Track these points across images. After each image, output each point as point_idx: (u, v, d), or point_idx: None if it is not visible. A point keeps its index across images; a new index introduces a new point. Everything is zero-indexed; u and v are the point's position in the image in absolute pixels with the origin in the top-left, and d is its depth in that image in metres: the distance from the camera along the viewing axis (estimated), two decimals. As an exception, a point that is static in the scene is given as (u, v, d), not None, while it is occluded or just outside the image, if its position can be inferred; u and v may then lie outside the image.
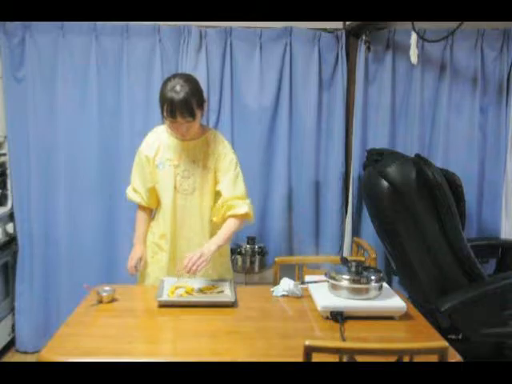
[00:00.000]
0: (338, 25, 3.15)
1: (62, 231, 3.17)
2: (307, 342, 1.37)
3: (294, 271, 2.42)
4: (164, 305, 1.95)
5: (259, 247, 3.10)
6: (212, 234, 2.24)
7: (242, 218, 2.20)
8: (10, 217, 3.18)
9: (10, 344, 3.25)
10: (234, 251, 3.03)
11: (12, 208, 3.18)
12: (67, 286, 3.16)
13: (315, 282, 2.08)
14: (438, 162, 3.05)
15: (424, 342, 1.55)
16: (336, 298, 1.90)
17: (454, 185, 2.71)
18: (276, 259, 2.46)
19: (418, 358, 1.42)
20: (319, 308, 1.86)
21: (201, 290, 2.05)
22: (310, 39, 3.13)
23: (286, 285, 2.10)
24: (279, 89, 3.16)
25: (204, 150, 2.23)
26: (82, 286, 2.11)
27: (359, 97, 3.18)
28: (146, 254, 2.34)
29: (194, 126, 2.12)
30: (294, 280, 2.17)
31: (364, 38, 3.11)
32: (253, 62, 3.13)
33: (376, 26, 3.11)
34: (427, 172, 2.50)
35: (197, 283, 2.10)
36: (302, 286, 2.10)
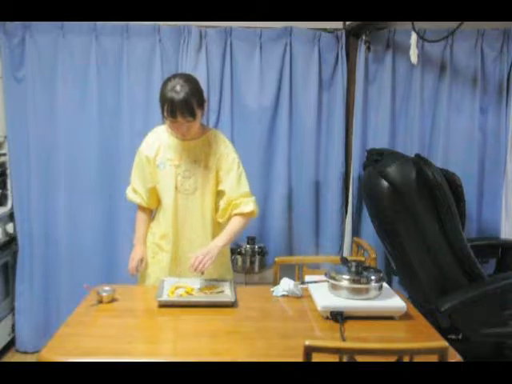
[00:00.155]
0: (338, 25, 3.15)
1: (62, 231, 3.17)
2: (307, 342, 1.37)
3: (294, 271, 2.42)
4: (164, 305, 1.95)
5: (259, 247, 3.10)
6: (214, 233, 2.24)
7: (248, 216, 2.20)
8: (10, 217, 3.18)
9: (10, 344, 3.25)
10: (234, 251, 3.03)
11: (12, 208, 3.18)
12: (67, 286, 3.16)
13: (315, 282, 2.08)
14: (438, 162, 3.04)
15: (424, 342, 1.55)
16: (336, 298, 1.90)
17: (454, 185, 2.71)
18: (276, 259, 2.46)
19: (417, 358, 1.42)
20: (319, 308, 1.86)
21: (201, 290, 2.05)
22: (310, 39, 3.13)
23: (286, 285, 2.10)
24: (279, 89, 3.16)
25: (205, 149, 2.23)
26: (82, 285, 2.11)
27: (359, 97, 3.18)
28: (147, 255, 2.34)
29: (194, 125, 2.12)
30: (294, 280, 2.17)
31: (364, 37, 3.11)
32: (253, 62, 3.13)
33: (376, 26, 3.11)
34: (427, 172, 2.50)
35: (197, 283, 2.10)
36: (302, 285, 2.10)
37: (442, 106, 3.20)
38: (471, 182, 3.18)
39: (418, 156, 2.70)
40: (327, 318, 1.85)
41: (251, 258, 3.07)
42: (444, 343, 1.43)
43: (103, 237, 3.19)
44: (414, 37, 2.86)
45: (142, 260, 2.32)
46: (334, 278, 1.93)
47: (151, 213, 2.39)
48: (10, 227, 3.15)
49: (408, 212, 2.53)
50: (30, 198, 3.15)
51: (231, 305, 1.96)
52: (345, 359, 1.41)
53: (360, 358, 1.41)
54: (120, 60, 3.07)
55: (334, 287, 1.93)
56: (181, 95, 2.01)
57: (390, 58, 3.16)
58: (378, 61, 3.18)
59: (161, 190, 2.26)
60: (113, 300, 2.00)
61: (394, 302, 1.90)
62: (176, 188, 2.22)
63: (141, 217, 2.36)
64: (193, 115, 2.06)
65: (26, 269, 3.19)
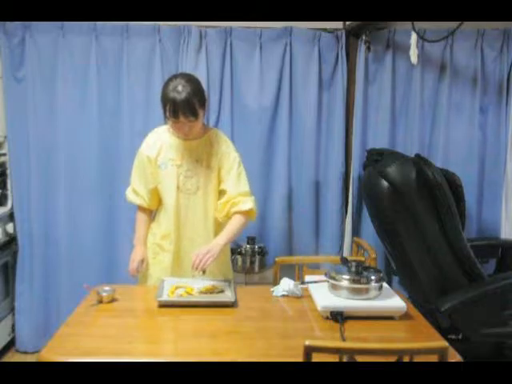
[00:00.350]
0: (338, 25, 3.15)
1: (62, 231, 3.17)
2: (307, 342, 1.37)
3: (294, 271, 2.42)
4: (164, 305, 1.95)
5: (259, 247, 3.10)
6: (216, 233, 2.24)
7: (247, 214, 2.20)
8: (10, 217, 3.18)
9: (10, 344, 3.25)
10: (234, 251, 3.03)
11: (12, 208, 3.18)
12: (67, 286, 3.16)
13: (315, 282, 2.08)
14: (438, 162, 3.05)
15: (424, 342, 1.55)
16: (336, 298, 1.90)
17: (454, 185, 2.71)
18: (276, 259, 2.46)
19: (417, 358, 1.42)
20: (319, 308, 1.86)
21: (201, 290, 2.05)
22: (310, 39, 3.13)
23: (286, 285, 2.10)
24: (279, 89, 3.16)
25: (207, 149, 2.23)
26: (82, 285, 2.11)
27: (359, 97, 3.18)
28: (147, 256, 2.34)
29: (196, 125, 2.12)
30: (294, 280, 2.17)
31: (364, 37, 3.11)
32: (253, 62, 3.13)
33: (376, 26, 3.11)
34: (427, 172, 2.50)
35: (197, 283, 2.10)
36: (302, 285, 2.10)
37: (441, 106, 3.20)
38: (471, 182, 3.18)
39: (418, 156, 2.70)
40: (327, 317, 1.85)
41: (251, 257, 3.07)
42: (444, 343, 1.43)
43: (103, 237, 3.19)
44: (413, 37, 2.86)
45: (142, 261, 2.31)
46: (334, 278, 1.93)
47: (151, 213, 2.38)
48: (10, 227, 3.15)
49: (408, 212, 2.53)
50: (30, 198, 3.15)
51: (231, 305, 1.96)
52: (345, 359, 1.41)
53: (360, 358, 1.40)
54: (120, 60, 3.07)
55: (334, 287, 1.93)
56: (183, 95, 2.02)
57: (390, 58, 3.16)
58: (378, 61, 3.18)
59: (162, 190, 2.26)
60: (113, 300, 2.00)
61: (393, 302, 1.90)
62: (178, 188, 2.22)
63: (141, 217, 2.36)
64: (195, 115, 2.06)
65: (25, 269, 3.19)
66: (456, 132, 3.22)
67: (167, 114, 2.07)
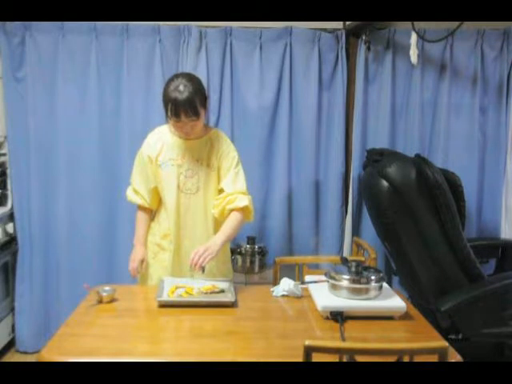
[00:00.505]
0: (338, 25, 3.15)
1: (62, 231, 3.17)
2: (307, 342, 1.37)
3: (294, 271, 2.42)
4: (164, 305, 1.95)
5: (259, 247, 3.09)
6: (216, 233, 2.23)
7: (243, 211, 2.20)
8: (10, 217, 3.18)
9: (10, 344, 3.25)
10: (234, 251, 3.03)
11: (12, 208, 3.18)
12: (67, 286, 3.16)
13: (315, 282, 2.07)
14: (438, 162, 3.04)
15: (424, 342, 1.55)
16: (336, 298, 1.90)
17: (454, 185, 2.71)
18: (276, 259, 2.46)
19: (417, 358, 1.42)
20: (319, 308, 1.86)
21: (201, 290, 2.05)
22: (310, 39, 3.13)
23: (286, 285, 2.10)
24: (279, 89, 3.16)
25: (208, 148, 2.23)
26: (82, 285, 2.11)
27: (359, 97, 3.19)
28: (147, 256, 2.34)
29: (198, 124, 2.13)
30: (294, 280, 2.17)
31: (364, 37, 3.11)
32: (253, 62, 3.13)
33: (376, 26, 3.11)
34: (427, 172, 2.50)
35: (197, 283, 2.10)
36: (302, 285, 2.10)
37: (441, 106, 3.20)
38: (471, 182, 3.18)
39: (417, 156, 2.70)
40: (327, 317, 1.85)
41: (251, 257, 3.07)
42: (444, 343, 1.43)
43: (103, 237, 3.19)
44: (413, 37, 2.86)
45: (142, 261, 2.32)
46: (333, 278, 1.93)
47: (151, 213, 2.38)
48: (10, 227, 3.15)
49: (408, 212, 2.53)
50: (30, 198, 3.15)
51: (231, 305, 1.96)
52: (345, 359, 1.41)
53: (360, 358, 1.40)
54: (120, 60, 3.07)
55: (333, 287, 1.93)
56: (184, 95, 2.02)
57: (389, 58, 3.16)
58: (378, 61, 3.18)
59: (163, 189, 2.26)
60: (113, 300, 2.00)
61: (393, 301, 1.90)
62: (178, 187, 2.23)
63: (141, 217, 2.36)
64: (196, 114, 2.07)
65: (25, 269, 3.19)
66: (456, 132, 3.22)
67: (169, 113, 2.07)
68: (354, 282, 1.89)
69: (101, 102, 3.09)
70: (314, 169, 3.23)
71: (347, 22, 3.13)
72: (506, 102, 3.22)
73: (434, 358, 1.41)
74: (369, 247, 2.67)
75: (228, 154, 2.24)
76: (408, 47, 2.91)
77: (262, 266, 3.10)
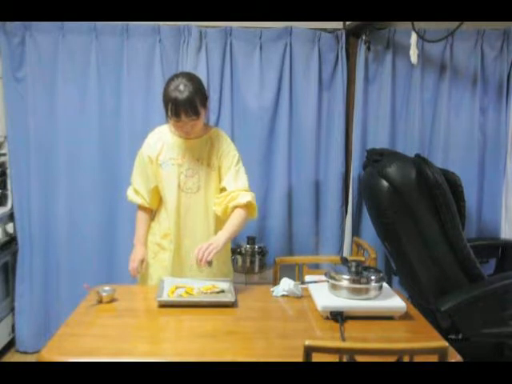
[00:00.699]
0: (338, 25, 3.15)
1: (62, 231, 3.17)
2: (307, 342, 1.37)
3: (294, 271, 2.42)
4: (164, 305, 1.95)
5: (259, 247, 3.10)
6: (217, 232, 2.23)
7: (246, 207, 2.19)
8: (10, 217, 3.18)
9: (10, 344, 3.25)
10: (234, 251, 3.03)
11: (12, 208, 3.18)
12: (67, 286, 3.16)
13: (315, 282, 2.07)
14: (438, 162, 3.04)
15: (424, 341, 1.55)
16: (336, 298, 1.90)
17: (454, 185, 2.71)
18: (276, 259, 2.46)
19: (417, 358, 1.42)
20: (319, 308, 1.86)
21: (201, 290, 2.05)
22: (310, 39, 3.13)
23: (286, 285, 2.10)
24: (279, 89, 3.16)
25: (208, 148, 2.23)
26: (82, 285, 2.11)
27: (359, 97, 3.19)
28: (147, 255, 2.34)
29: (198, 124, 2.13)
30: (294, 280, 2.17)
31: (364, 37, 3.11)
32: (253, 62, 3.13)
33: (376, 26, 3.11)
34: (427, 172, 2.50)
35: (197, 283, 2.10)
36: (302, 285, 2.10)
37: (441, 106, 3.20)
38: (471, 181, 3.18)
39: (417, 156, 2.70)
40: (327, 317, 1.85)
41: (251, 258, 3.07)
42: (444, 343, 1.43)
43: (103, 237, 3.19)
44: (413, 37, 2.86)
45: (142, 261, 2.32)
46: (333, 278, 1.93)
47: (152, 213, 2.38)
48: (10, 227, 3.15)
49: (408, 212, 2.53)
50: (30, 198, 3.15)
51: (231, 305, 1.96)
52: (345, 359, 1.41)
53: (360, 358, 1.40)
54: (120, 60, 3.07)
55: (333, 287, 1.93)
56: (184, 94, 2.02)
57: (390, 58, 3.16)
58: (378, 61, 3.18)
59: (163, 189, 2.26)
60: (113, 300, 2.00)
61: (394, 301, 1.90)
62: (179, 187, 2.23)
63: (141, 216, 2.36)
64: (197, 114, 2.07)
65: (25, 269, 3.19)
66: (456, 132, 3.22)
67: (169, 113, 2.07)
68: (353, 282, 1.89)
69: (101, 102, 3.09)
70: (314, 169, 3.23)
71: (347, 22, 3.13)
72: (506, 102, 3.22)
73: (434, 358, 1.41)
74: (369, 247, 2.67)
75: (228, 153, 2.24)
76: (408, 47, 2.91)
77: (262, 266, 3.10)
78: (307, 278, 2.16)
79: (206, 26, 3.06)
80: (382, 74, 3.19)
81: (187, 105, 2.02)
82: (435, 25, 2.95)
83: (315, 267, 2.88)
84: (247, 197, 2.18)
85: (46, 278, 3.21)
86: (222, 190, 2.24)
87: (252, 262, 3.07)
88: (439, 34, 2.85)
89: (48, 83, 3.08)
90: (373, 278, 1.90)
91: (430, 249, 2.54)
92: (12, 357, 3.21)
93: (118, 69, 3.08)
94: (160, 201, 2.32)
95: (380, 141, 3.20)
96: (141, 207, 2.35)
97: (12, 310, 3.24)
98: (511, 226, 3.22)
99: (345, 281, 1.90)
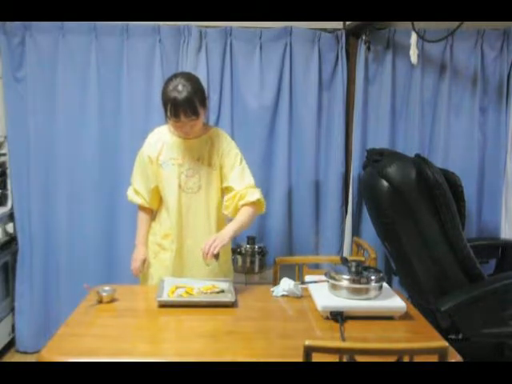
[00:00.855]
0: (338, 25, 3.15)
1: (62, 231, 3.17)
2: (307, 342, 1.37)
3: (294, 271, 2.41)
4: (164, 305, 1.95)
5: (259, 247, 3.10)
6: (219, 231, 2.23)
7: (255, 205, 2.20)
8: (10, 217, 3.18)
9: (10, 344, 3.25)
10: (234, 251, 3.03)
11: (12, 208, 3.18)
12: (67, 286, 3.16)
13: (315, 282, 2.07)
14: (438, 162, 3.04)
15: (424, 342, 1.55)
16: (336, 298, 1.90)
17: (454, 185, 2.71)
18: (276, 259, 2.46)
19: (417, 358, 1.42)
20: (319, 308, 1.86)
21: (201, 290, 2.05)
22: (310, 39, 3.13)
23: (286, 285, 2.10)
24: (279, 89, 3.16)
25: (208, 147, 2.23)
26: (82, 285, 2.11)
27: (359, 97, 3.19)
28: (148, 255, 2.34)
29: (197, 124, 2.13)
30: (294, 280, 2.17)
31: (364, 37, 3.11)
32: (253, 62, 3.13)
33: (376, 26, 3.11)
34: (427, 172, 2.50)
35: (197, 283, 2.10)
36: (302, 285, 2.10)
37: (441, 106, 3.20)
38: (471, 181, 3.18)
39: (417, 156, 2.70)
40: (327, 317, 1.85)
41: (251, 258, 3.07)
42: (444, 343, 1.43)
43: (103, 237, 3.18)
44: (413, 37, 2.86)
45: (144, 261, 2.32)
46: (333, 278, 1.93)
47: (152, 213, 2.38)
48: (10, 227, 3.15)
49: (408, 212, 2.53)
50: (30, 198, 3.15)
51: (231, 305, 1.96)
52: (345, 359, 1.41)
53: (360, 358, 1.40)
54: (120, 60, 3.07)
55: (333, 287, 1.93)
56: (183, 94, 2.02)
57: (390, 58, 3.16)
58: (378, 61, 3.18)
59: (164, 189, 2.26)
60: (113, 300, 2.00)
61: (393, 302, 1.90)
62: (180, 187, 2.23)
63: (142, 217, 2.36)
64: (196, 114, 2.07)
65: (25, 269, 3.19)
66: (456, 132, 3.22)
67: (168, 113, 2.07)
68: (354, 282, 1.89)
69: (101, 101, 3.09)
70: (314, 169, 3.23)
71: (347, 22, 3.13)
72: (506, 102, 3.22)
73: (434, 358, 1.41)
74: (369, 247, 2.67)
75: (230, 152, 2.24)
76: (408, 47, 2.91)
77: (262, 266, 3.10)
78: (307, 278, 2.16)
79: (206, 26, 3.06)
80: (382, 74, 3.19)
81: (186, 105, 2.02)
82: (435, 25, 2.95)
83: (315, 267, 2.88)
84: (256, 194, 2.20)
85: (46, 277, 3.21)
86: (226, 189, 2.24)
87: (252, 262, 3.07)
88: (439, 34, 2.85)
89: (48, 83, 3.08)
90: (373, 277, 1.90)
91: (430, 249, 2.54)
92: (12, 357, 3.21)
93: (118, 69, 3.08)
94: (160, 201, 2.32)
95: (380, 141, 3.20)
96: (141, 207, 2.35)
97: (12, 309, 3.24)
98: (511, 226, 3.22)
99: (345, 281, 1.90)
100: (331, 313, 1.84)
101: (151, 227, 2.37)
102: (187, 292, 2.03)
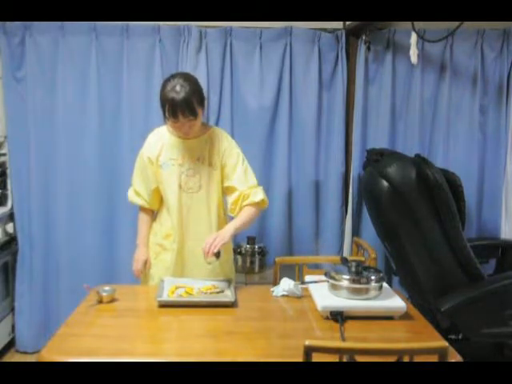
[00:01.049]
0: (338, 25, 3.15)
1: (62, 231, 3.17)
2: (307, 342, 1.37)
3: (294, 271, 2.41)
4: (164, 305, 1.95)
5: (259, 247, 3.10)
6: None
7: (258, 205, 2.22)
8: (10, 217, 3.18)
9: (10, 344, 3.25)
10: (234, 251, 3.02)
11: (12, 208, 3.18)
12: (67, 286, 3.16)
13: (315, 282, 2.08)
14: (438, 162, 3.05)
15: (424, 342, 1.55)
16: (336, 298, 1.90)
17: (454, 185, 2.71)
18: (276, 259, 2.46)
19: (417, 358, 1.42)
20: (319, 308, 1.86)
21: (201, 290, 2.05)
22: (310, 39, 3.13)
23: (286, 285, 2.10)
24: (279, 89, 3.16)
25: (208, 147, 2.23)
26: (82, 285, 2.11)
27: (359, 97, 3.19)
28: (149, 256, 2.34)
29: (196, 124, 2.13)
30: (294, 280, 2.17)
31: (364, 37, 3.11)
32: (253, 62, 3.13)
33: (376, 26, 3.11)
34: (427, 172, 2.49)
35: (197, 283, 2.10)
36: (301, 285, 2.10)
37: (441, 106, 3.20)
38: (471, 182, 3.18)
39: (417, 156, 2.70)
40: (327, 317, 1.85)
41: (251, 258, 3.07)
42: (444, 343, 1.43)
43: (103, 237, 3.18)
44: (413, 37, 2.86)
45: (145, 261, 2.32)
46: (333, 278, 1.93)
47: (153, 213, 2.38)
48: (10, 227, 3.15)
49: (408, 212, 2.52)
50: (30, 198, 3.15)
51: (231, 305, 1.96)
52: (345, 359, 1.41)
53: (360, 358, 1.40)
54: (120, 60, 3.07)
55: (333, 287, 1.93)
56: (181, 95, 2.02)
57: (390, 58, 3.16)
58: (378, 61, 3.18)
59: (164, 190, 2.26)
60: (113, 300, 2.00)
61: (393, 302, 1.90)
62: (180, 187, 2.23)
63: (143, 217, 2.36)
64: (194, 114, 2.07)
65: (25, 269, 3.19)
66: (456, 132, 3.22)
67: (166, 114, 2.07)
68: (354, 282, 1.89)
69: (101, 102, 3.09)
70: (314, 169, 3.24)
71: (347, 22, 3.13)
72: (506, 102, 3.22)
73: (434, 358, 1.41)
74: (369, 247, 2.67)
75: (231, 151, 2.24)
76: (408, 47, 2.91)
77: (262, 266, 3.10)
78: (307, 277, 2.16)
79: (206, 26, 3.06)
80: (382, 74, 3.19)
81: (184, 105, 2.02)
82: (435, 25, 2.95)
83: (315, 267, 2.88)
84: (259, 195, 2.22)
85: (46, 278, 3.21)
86: (228, 188, 2.25)
87: (252, 262, 3.07)
88: (439, 34, 2.85)
89: (48, 83, 3.08)
90: (373, 277, 1.90)
91: (430, 249, 2.54)
92: (12, 357, 3.21)
93: (118, 69, 3.08)
94: (161, 201, 2.32)
95: (380, 141, 3.20)
96: (142, 208, 2.35)
97: (12, 310, 3.24)
98: (511, 226, 3.22)
99: (345, 281, 1.90)
100: (331, 313, 1.84)
101: (152, 228, 2.36)
102: (187, 292, 2.03)
